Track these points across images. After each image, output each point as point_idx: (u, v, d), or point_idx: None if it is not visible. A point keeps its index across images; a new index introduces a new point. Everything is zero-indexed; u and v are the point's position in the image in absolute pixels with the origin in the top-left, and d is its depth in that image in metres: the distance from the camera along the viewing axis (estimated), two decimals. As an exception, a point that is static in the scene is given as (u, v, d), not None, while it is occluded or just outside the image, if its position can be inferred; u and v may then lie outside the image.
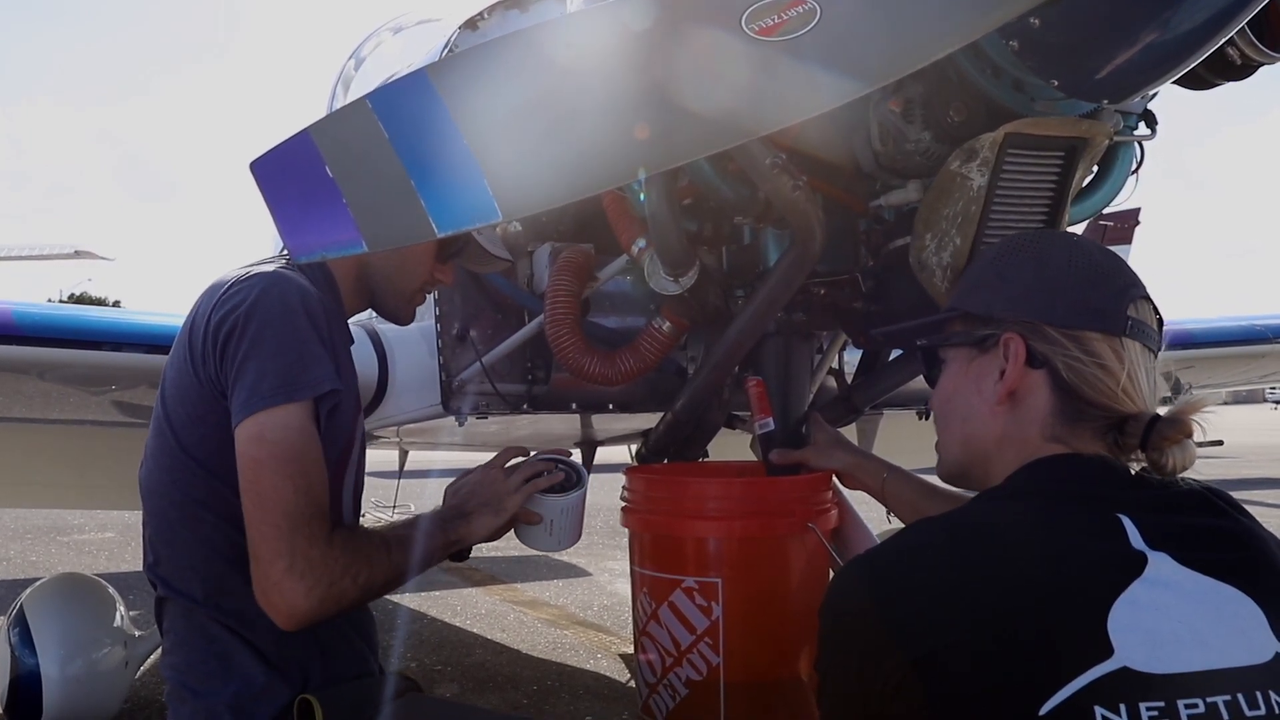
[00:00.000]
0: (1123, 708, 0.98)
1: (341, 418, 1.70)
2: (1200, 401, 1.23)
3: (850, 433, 3.08)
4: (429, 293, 2.00)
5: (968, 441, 1.34)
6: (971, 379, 1.32)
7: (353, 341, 1.87)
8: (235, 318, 1.57)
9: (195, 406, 1.63)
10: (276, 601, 1.51)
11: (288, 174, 1.25)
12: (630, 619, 2.08)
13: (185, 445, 1.64)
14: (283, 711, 1.65)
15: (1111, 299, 1.25)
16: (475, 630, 5.46)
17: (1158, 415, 1.22)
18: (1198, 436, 1.22)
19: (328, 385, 1.57)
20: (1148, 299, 1.28)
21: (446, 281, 1.99)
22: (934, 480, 1.82)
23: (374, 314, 2.05)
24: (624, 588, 6.21)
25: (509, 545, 8.69)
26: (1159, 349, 1.28)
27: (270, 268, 1.67)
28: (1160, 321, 1.30)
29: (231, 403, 1.56)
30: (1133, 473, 1.22)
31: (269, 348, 1.55)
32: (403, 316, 1.98)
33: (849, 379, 2.42)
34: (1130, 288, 1.26)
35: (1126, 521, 1.12)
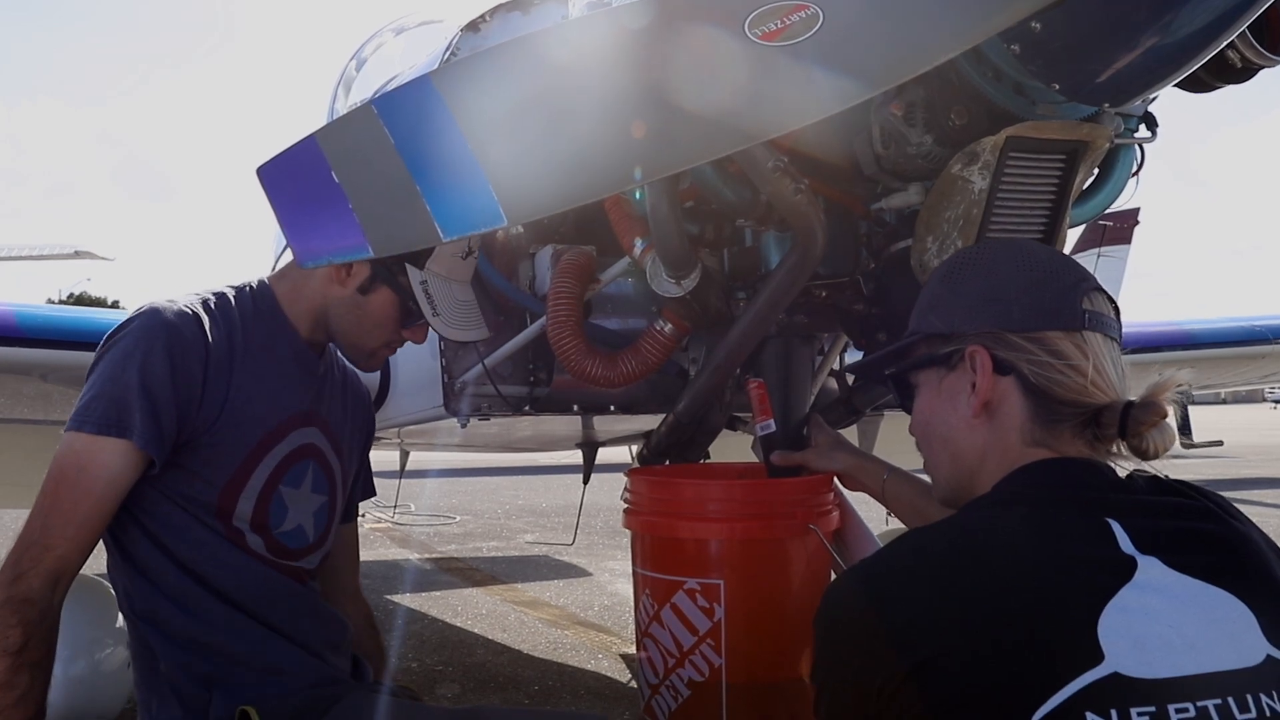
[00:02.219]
0: (1114, 713, 0.99)
1: (229, 434, 1.71)
2: (1169, 381, 1.24)
3: (851, 434, 3.09)
4: (394, 349, 1.98)
5: (954, 460, 1.34)
6: (945, 398, 1.33)
7: (316, 367, 1.89)
8: (100, 345, 1.67)
9: None
10: None
11: (294, 179, 1.26)
12: (631, 619, 2.09)
13: None
14: None
15: (1064, 296, 1.26)
16: (476, 630, 5.47)
17: (1131, 402, 1.23)
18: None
19: (117, 432, 1.58)
20: (1100, 290, 1.29)
21: (418, 340, 1.97)
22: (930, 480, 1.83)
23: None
24: (624, 588, 6.21)
25: (509, 546, 8.69)
26: (1121, 337, 1.29)
27: (169, 300, 1.72)
28: (1117, 310, 1.31)
29: None
30: (1121, 476, 1.22)
31: (93, 377, 1.63)
32: (363, 367, 1.97)
33: (850, 381, 2.42)
34: (1080, 282, 1.27)
35: (1115, 526, 1.12)
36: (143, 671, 1.73)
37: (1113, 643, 1.02)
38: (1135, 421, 1.21)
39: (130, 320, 1.68)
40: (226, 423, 1.70)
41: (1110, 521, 1.13)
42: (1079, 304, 1.25)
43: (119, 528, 1.70)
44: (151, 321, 1.66)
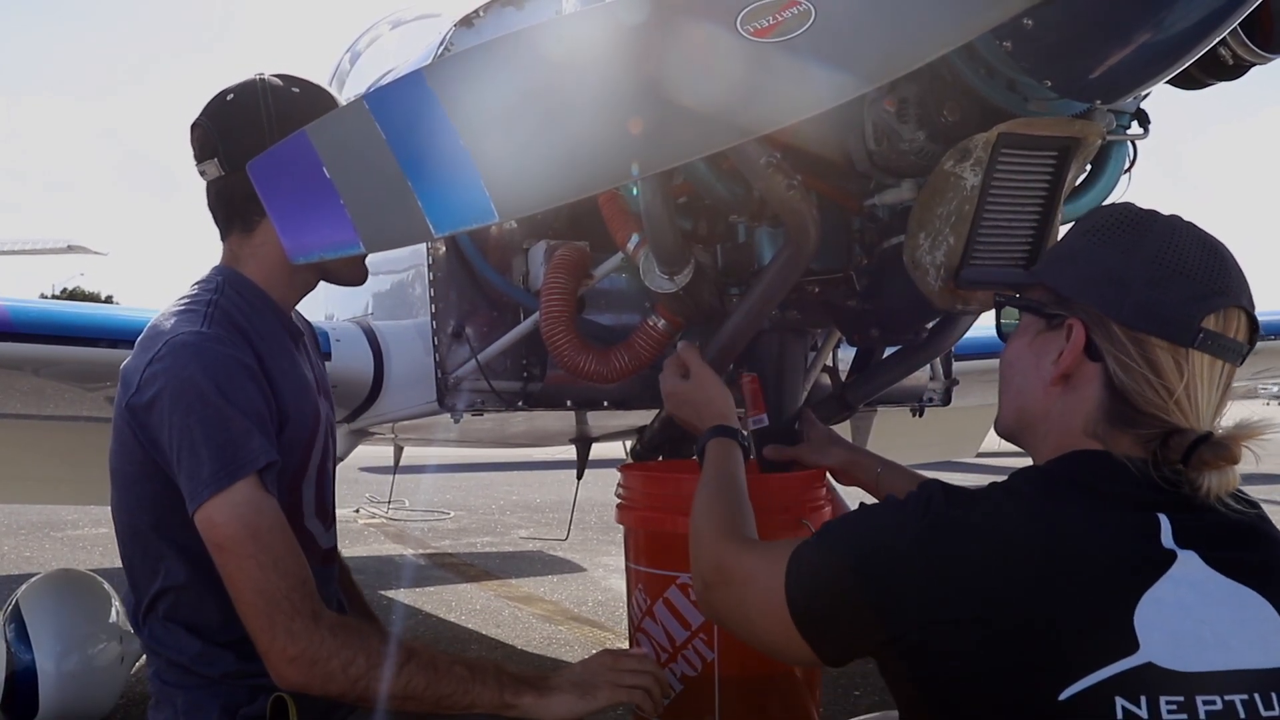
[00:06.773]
0: (1143, 700, 1.02)
1: (292, 434, 1.70)
2: (1257, 428, 1.17)
3: (845, 430, 3.09)
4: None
5: (1020, 412, 1.32)
6: (1034, 352, 1.28)
7: (300, 334, 1.87)
8: (159, 410, 1.58)
9: (137, 466, 1.66)
10: (271, 671, 1.53)
11: (285, 174, 1.26)
12: (624, 615, 2.09)
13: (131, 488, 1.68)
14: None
15: (1187, 306, 1.17)
16: (470, 626, 5.47)
17: (1206, 435, 1.16)
18: (1251, 464, 1.17)
19: (263, 459, 1.57)
20: (1242, 308, 1.19)
21: None
22: (928, 475, 1.83)
23: (370, 311, 2.01)
24: (618, 583, 6.22)
25: (503, 541, 8.67)
26: (1241, 362, 1.21)
27: (181, 332, 1.64)
28: (1255, 331, 1.21)
29: (182, 489, 1.58)
30: (1165, 474, 1.18)
31: (198, 437, 1.56)
32: (359, 275, 1.92)
33: (843, 376, 2.43)
34: (1215, 295, 1.17)
35: (1163, 520, 1.13)
36: (168, 678, 1.70)
37: (1148, 634, 1.05)
38: (1199, 458, 1.14)
39: (169, 376, 1.60)
40: (287, 425, 1.70)
41: (1159, 516, 1.14)
42: (1199, 319, 1.16)
43: (165, 539, 1.67)
44: (193, 368, 1.60)
